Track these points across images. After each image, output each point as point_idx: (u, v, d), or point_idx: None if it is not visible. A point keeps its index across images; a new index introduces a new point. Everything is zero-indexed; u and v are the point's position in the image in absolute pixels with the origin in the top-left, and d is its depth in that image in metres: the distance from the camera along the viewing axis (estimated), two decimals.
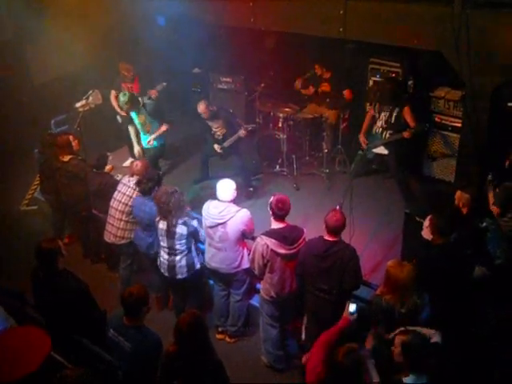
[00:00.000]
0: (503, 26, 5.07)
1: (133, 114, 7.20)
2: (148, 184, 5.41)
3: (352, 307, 4.02)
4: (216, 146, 7.33)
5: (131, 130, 7.90)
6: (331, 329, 3.95)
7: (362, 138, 6.96)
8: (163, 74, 9.07)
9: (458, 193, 4.84)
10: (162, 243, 5.23)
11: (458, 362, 4.39)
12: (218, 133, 7.38)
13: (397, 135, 6.58)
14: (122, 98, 6.93)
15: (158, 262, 5.36)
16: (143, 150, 7.62)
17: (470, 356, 4.43)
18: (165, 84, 7.63)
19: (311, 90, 8.08)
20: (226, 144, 7.29)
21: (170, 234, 5.10)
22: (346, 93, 7.69)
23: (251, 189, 7.44)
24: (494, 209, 4.86)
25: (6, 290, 4.70)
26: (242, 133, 7.16)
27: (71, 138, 6.34)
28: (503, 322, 4.62)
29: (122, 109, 7.36)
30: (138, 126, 7.35)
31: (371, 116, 7.00)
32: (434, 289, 4.45)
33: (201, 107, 7.12)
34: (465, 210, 4.80)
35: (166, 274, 5.31)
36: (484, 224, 4.69)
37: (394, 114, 6.74)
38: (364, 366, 3.29)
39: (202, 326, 3.58)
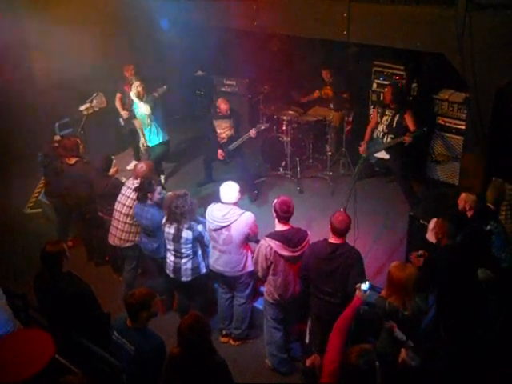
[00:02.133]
0: (506, 28, 5.06)
1: (137, 104, 7.19)
2: (141, 192, 5.40)
3: (364, 285, 3.99)
4: (219, 153, 7.23)
5: (136, 123, 7.79)
6: (345, 312, 3.93)
7: (363, 147, 6.96)
8: (166, 76, 9.11)
9: (464, 195, 4.81)
10: (168, 246, 5.24)
11: (462, 364, 4.39)
12: (224, 135, 7.31)
13: (397, 139, 6.59)
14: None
15: (165, 263, 5.39)
16: (147, 148, 7.60)
17: (473, 360, 4.42)
18: (165, 87, 7.66)
19: (316, 94, 8.16)
20: (231, 147, 7.21)
21: (177, 237, 5.11)
22: (344, 95, 7.80)
23: (255, 191, 7.44)
24: (490, 206, 4.86)
25: (9, 291, 4.71)
26: (252, 133, 7.09)
27: (78, 141, 6.37)
28: (508, 326, 4.62)
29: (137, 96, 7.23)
30: (142, 118, 7.27)
31: (374, 122, 7.00)
32: (440, 290, 4.46)
33: (222, 104, 7.13)
34: (470, 213, 4.77)
35: (172, 275, 5.33)
36: (488, 227, 4.67)
37: (396, 119, 6.73)
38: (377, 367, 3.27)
39: (204, 329, 3.58)
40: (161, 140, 7.33)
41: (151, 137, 7.30)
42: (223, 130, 7.31)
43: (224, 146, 7.29)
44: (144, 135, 7.59)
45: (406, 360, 3.78)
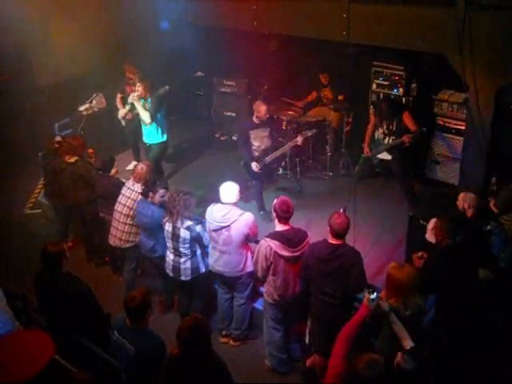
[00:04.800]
0: (506, 28, 5.07)
1: (141, 100, 7.06)
2: (145, 187, 5.48)
3: (372, 295, 3.91)
4: (254, 165, 6.48)
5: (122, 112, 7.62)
6: (352, 320, 3.89)
7: (365, 149, 6.96)
8: (166, 77, 9.11)
9: (462, 194, 4.82)
10: (167, 244, 5.27)
11: (461, 364, 4.39)
12: (263, 146, 6.54)
13: (398, 140, 6.59)
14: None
15: (165, 261, 5.41)
16: (146, 146, 7.51)
17: (473, 359, 4.42)
18: (167, 88, 7.63)
19: (314, 95, 8.14)
20: (268, 158, 6.53)
21: (175, 236, 5.12)
22: (340, 97, 7.81)
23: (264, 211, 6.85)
24: (494, 209, 4.87)
25: (9, 292, 4.71)
26: (298, 140, 6.47)
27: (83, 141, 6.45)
28: (507, 326, 4.61)
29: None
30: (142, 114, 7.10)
31: (373, 124, 7.00)
32: (440, 290, 4.46)
33: (262, 106, 6.36)
34: (470, 212, 4.77)
35: (171, 275, 5.34)
36: (488, 227, 4.68)
37: (395, 122, 6.73)
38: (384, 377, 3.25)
39: (203, 332, 3.58)
40: (160, 140, 7.28)
41: (150, 135, 7.26)
42: (262, 140, 6.54)
43: (260, 158, 6.55)
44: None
45: (401, 363, 3.78)
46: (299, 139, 6.52)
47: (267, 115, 6.46)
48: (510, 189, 5.03)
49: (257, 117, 6.48)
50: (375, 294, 3.92)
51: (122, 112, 7.67)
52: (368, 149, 6.94)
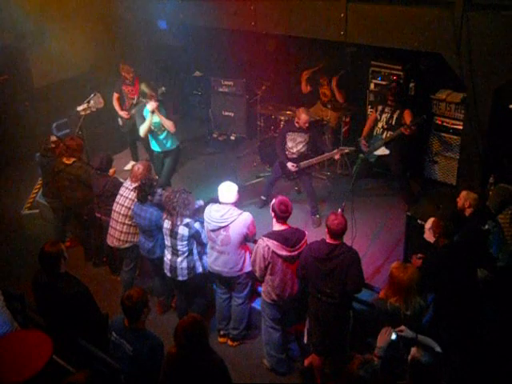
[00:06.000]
0: (504, 28, 5.07)
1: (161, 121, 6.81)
2: (142, 192, 5.39)
3: (393, 336, 3.75)
4: (290, 164, 6.63)
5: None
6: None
7: (362, 142, 6.95)
8: (164, 77, 9.11)
9: (465, 192, 4.80)
10: (166, 242, 5.27)
11: (460, 364, 4.40)
12: (295, 149, 6.68)
13: (396, 132, 6.55)
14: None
15: (163, 262, 5.41)
16: (157, 154, 7.22)
17: (473, 359, 4.43)
18: (164, 89, 7.59)
19: (308, 88, 8.01)
20: (303, 164, 6.62)
21: (173, 233, 5.13)
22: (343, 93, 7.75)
23: (317, 216, 6.72)
24: (490, 209, 4.88)
25: (6, 292, 4.70)
26: (336, 155, 6.49)
27: (82, 142, 6.41)
28: (505, 326, 4.62)
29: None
30: (156, 125, 6.86)
31: (373, 119, 6.99)
32: (438, 290, 4.47)
33: (303, 115, 6.46)
34: (468, 211, 4.77)
35: (169, 275, 5.34)
36: (486, 226, 4.68)
37: (395, 116, 6.73)
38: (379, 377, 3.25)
39: (200, 331, 3.58)
40: (176, 143, 7.11)
41: (164, 142, 7.02)
42: (296, 144, 6.67)
43: (294, 162, 6.67)
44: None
45: (417, 356, 3.74)
46: (336, 154, 6.53)
47: (307, 124, 6.54)
48: (498, 189, 5.04)
49: (297, 122, 6.62)
50: (394, 334, 3.83)
51: (124, 115, 7.62)
52: (365, 142, 6.92)
